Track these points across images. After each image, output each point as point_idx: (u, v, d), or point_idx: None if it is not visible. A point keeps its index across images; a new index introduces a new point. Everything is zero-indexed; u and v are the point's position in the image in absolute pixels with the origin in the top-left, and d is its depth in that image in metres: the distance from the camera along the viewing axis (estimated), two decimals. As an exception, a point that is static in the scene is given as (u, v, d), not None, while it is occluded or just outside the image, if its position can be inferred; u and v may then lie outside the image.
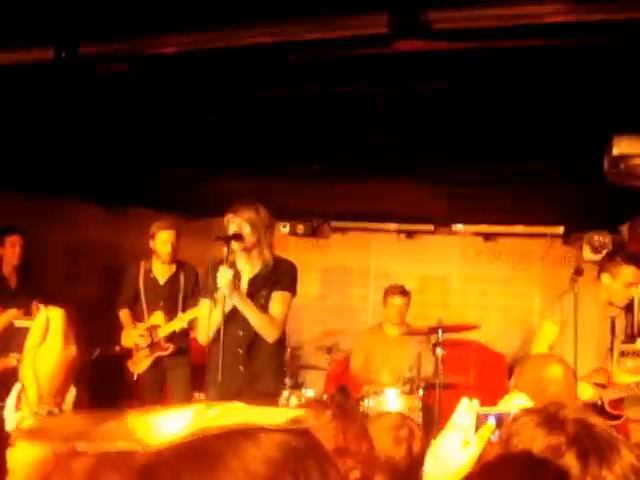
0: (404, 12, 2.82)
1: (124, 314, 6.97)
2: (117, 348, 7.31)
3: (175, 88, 4.54)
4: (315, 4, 3.10)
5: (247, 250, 4.92)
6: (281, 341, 5.12)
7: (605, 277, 5.86)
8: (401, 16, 2.85)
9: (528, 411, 1.80)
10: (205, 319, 4.89)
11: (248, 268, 5.00)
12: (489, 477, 1.71)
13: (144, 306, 6.86)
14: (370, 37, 2.97)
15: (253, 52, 3.53)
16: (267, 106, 4.74)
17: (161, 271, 6.88)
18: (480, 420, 2.45)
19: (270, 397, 4.81)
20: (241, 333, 4.92)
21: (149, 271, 6.90)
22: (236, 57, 3.73)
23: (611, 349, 5.80)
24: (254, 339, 4.93)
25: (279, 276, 5.04)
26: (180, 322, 6.48)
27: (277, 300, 4.97)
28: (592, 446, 1.58)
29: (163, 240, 6.69)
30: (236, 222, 4.83)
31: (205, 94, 4.62)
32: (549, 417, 1.69)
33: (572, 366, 4.99)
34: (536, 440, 1.65)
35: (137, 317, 6.89)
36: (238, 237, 4.81)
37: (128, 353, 6.96)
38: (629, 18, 2.93)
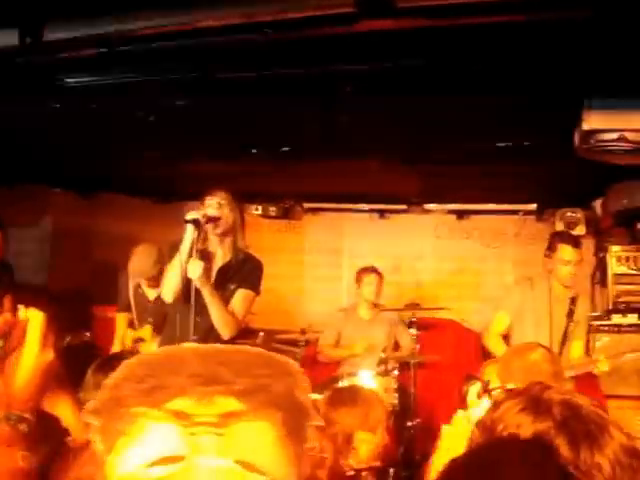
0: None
1: (121, 318, 6.89)
2: (87, 335, 7.25)
3: (141, 71, 4.46)
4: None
5: (223, 235, 4.88)
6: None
7: (546, 260, 5.97)
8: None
9: (510, 394, 1.75)
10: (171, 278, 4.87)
11: (220, 255, 4.95)
12: (476, 463, 1.66)
13: (135, 317, 6.79)
14: (336, 16, 2.91)
15: (218, 33, 3.47)
16: (234, 87, 4.67)
17: (149, 289, 6.77)
18: None
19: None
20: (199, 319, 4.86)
21: (138, 285, 6.81)
22: (202, 38, 3.66)
23: (565, 332, 5.76)
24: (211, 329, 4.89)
25: (247, 273, 5.00)
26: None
27: (241, 298, 4.93)
28: (581, 430, 1.54)
29: (142, 259, 6.59)
30: (215, 203, 4.78)
31: (171, 76, 4.54)
32: (533, 400, 1.64)
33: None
34: (522, 426, 1.59)
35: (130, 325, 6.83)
36: (214, 220, 4.78)
37: (99, 338, 6.92)
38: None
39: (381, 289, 7.59)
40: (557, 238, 5.96)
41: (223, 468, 0.94)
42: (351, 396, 3.88)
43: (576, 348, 5.84)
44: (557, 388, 1.73)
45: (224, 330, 4.81)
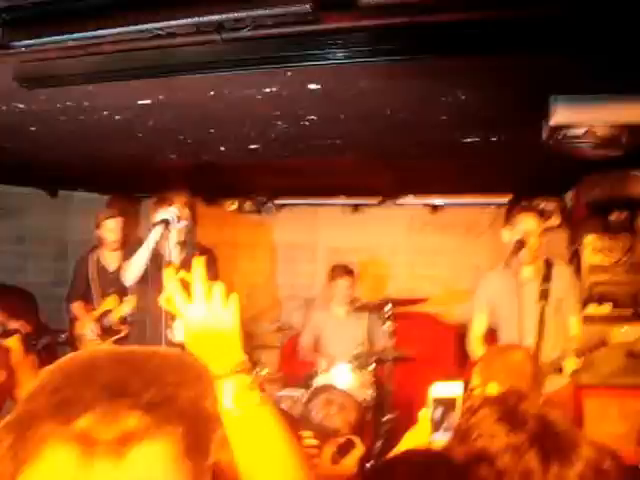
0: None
1: (77, 306, 6.89)
2: (63, 337, 7.22)
3: (110, 70, 4.42)
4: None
5: (182, 234, 4.92)
6: None
7: (506, 233, 5.68)
8: (327, -8, 2.77)
9: (487, 401, 1.74)
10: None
11: (175, 252, 4.99)
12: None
13: (94, 295, 6.79)
14: (296, 13, 2.88)
15: (185, 32, 3.43)
16: (206, 84, 4.64)
17: (110, 258, 6.79)
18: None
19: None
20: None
21: (98, 261, 6.82)
22: (167, 38, 3.62)
23: (542, 316, 5.43)
24: None
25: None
26: (131, 302, 6.38)
27: None
28: (553, 446, 1.55)
29: (109, 228, 6.64)
30: (175, 207, 4.81)
31: (137, 76, 4.50)
32: (510, 411, 1.64)
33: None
34: (496, 437, 1.60)
35: (90, 308, 6.82)
36: (181, 220, 4.82)
37: (76, 342, 6.90)
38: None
39: (354, 287, 7.62)
40: (516, 210, 5.76)
41: None
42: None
43: (573, 326, 5.54)
44: (533, 401, 1.73)
45: None
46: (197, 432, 1.04)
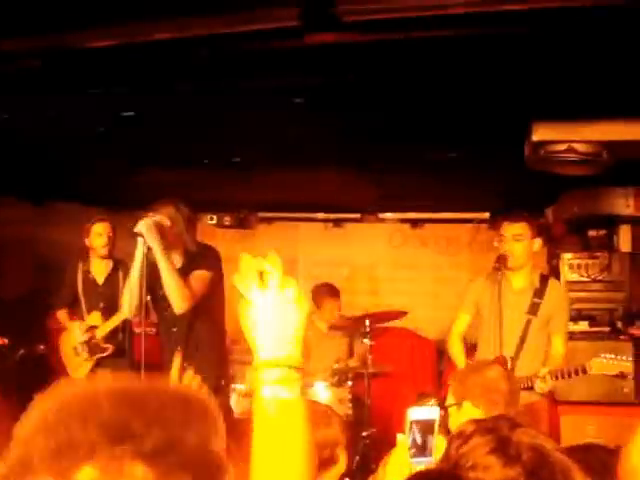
0: (315, 5, 2.76)
1: (62, 314, 6.78)
2: (42, 348, 7.13)
3: (90, 83, 4.42)
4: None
5: (172, 244, 4.90)
6: (219, 333, 5.23)
7: (496, 243, 5.49)
8: (312, 9, 2.79)
9: (479, 429, 1.73)
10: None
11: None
12: None
13: (83, 307, 6.68)
14: (282, 30, 2.90)
15: (168, 46, 3.44)
16: (188, 100, 4.65)
17: (99, 269, 6.66)
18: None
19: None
20: (175, 329, 5.03)
21: (87, 271, 6.70)
22: (152, 51, 3.63)
23: (525, 331, 5.29)
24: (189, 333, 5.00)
25: (201, 258, 5.07)
26: (117, 319, 6.29)
27: (194, 278, 4.97)
28: (549, 477, 1.54)
29: (98, 233, 6.52)
30: (151, 217, 4.79)
31: (121, 88, 4.51)
32: (503, 441, 1.63)
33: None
34: (491, 470, 1.59)
35: (78, 319, 6.71)
36: (164, 229, 4.82)
37: (54, 353, 6.81)
38: (544, 7, 2.92)
39: (340, 306, 7.61)
40: (502, 217, 5.64)
41: None
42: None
43: (556, 344, 5.34)
44: (526, 429, 1.73)
45: (177, 302, 4.86)
46: (206, 478, 0.99)
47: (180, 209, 4.92)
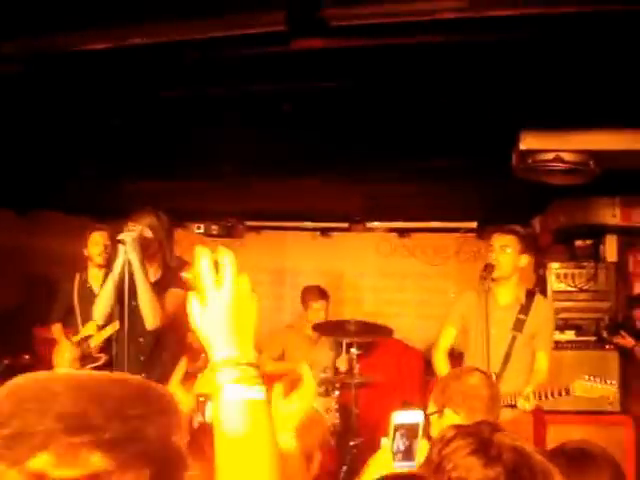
0: (302, 9, 2.75)
1: (57, 329, 6.72)
2: (27, 358, 7.07)
3: (75, 89, 4.39)
4: (214, 2, 3.00)
5: (153, 254, 4.88)
6: (181, 344, 5.14)
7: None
8: (299, 13, 2.77)
9: (461, 433, 1.73)
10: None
11: (150, 272, 4.94)
12: None
13: (78, 319, 6.62)
14: (269, 35, 2.88)
15: (153, 51, 3.42)
16: (172, 106, 4.62)
17: (97, 278, 6.61)
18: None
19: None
20: (141, 340, 4.99)
21: (85, 281, 6.66)
22: (136, 57, 3.60)
23: (511, 346, 5.26)
24: (155, 346, 4.98)
25: (175, 276, 4.98)
26: (112, 329, 6.22)
27: (169, 296, 4.93)
28: (529, 478, 1.54)
29: (95, 242, 6.51)
30: (135, 227, 4.77)
31: (104, 95, 4.48)
32: (484, 443, 1.63)
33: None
34: (473, 470, 1.59)
35: (72, 331, 6.64)
36: (147, 239, 4.79)
37: (39, 361, 6.76)
38: (532, 13, 2.92)
39: (328, 312, 7.61)
40: (492, 229, 5.66)
41: None
42: None
43: (540, 360, 5.28)
44: (507, 432, 1.73)
45: (149, 319, 4.85)
46: (166, 474, 0.97)
47: (161, 219, 4.91)
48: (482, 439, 1.65)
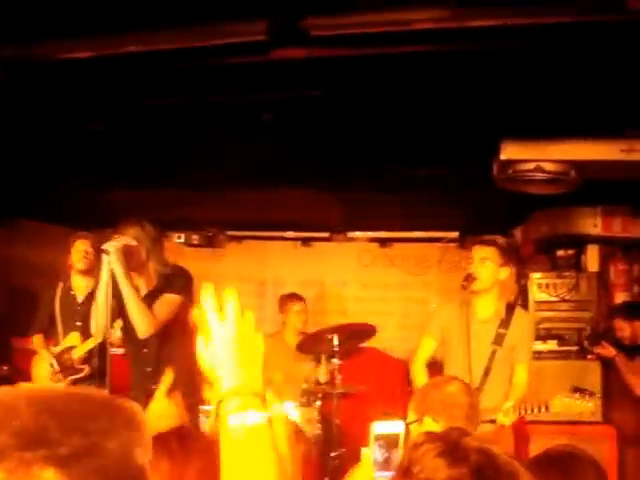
0: (283, 19, 2.74)
1: (38, 340, 6.64)
2: (5, 369, 7.01)
3: (57, 98, 4.37)
4: (193, 12, 2.99)
5: (140, 265, 4.84)
6: (191, 355, 5.04)
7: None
8: (281, 23, 2.77)
9: (430, 437, 1.73)
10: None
11: (141, 284, 4.90)
12: None
13: (59, 327, 6.55)
14: (249, 45, 2.87)
15: (136, 61, 3.40)
16: (155, 115, 4.61)
17: (80, 286, 6.55)
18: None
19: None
20: (145, 351, 4.96)
21: (68, 289, 6.58)
22: (118, 66, 3.59)
23: (488, 366, 5.21)
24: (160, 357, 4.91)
25: (172, 280, 4.99)
26: (95, 340, 6.15)
27: (163, 302, 4.88)
28: (494, 477, 1.53)
29: (77, 250, 6.45)
30: (118, 238, 4.74)
31: (85, 104, 4.46)
32: (452, 446, 1.63)
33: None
34: (438, 471, 1.58)
35: (52, 342, 6.57)
36: (132, 249, 4.75)
37: (18, 372, 6.70)
38: (515, 24, 2.93)
39: (307, 314, 7.61)
40: (472, 240, 5.61)
41: None
42: None
43: (519, 374, 5.24)
44: (475, 435, 1.73)
45: (141, 327, 4.78)
46: None
47: (146, 229, 4.86)
48: (450, 442, 1.65)
